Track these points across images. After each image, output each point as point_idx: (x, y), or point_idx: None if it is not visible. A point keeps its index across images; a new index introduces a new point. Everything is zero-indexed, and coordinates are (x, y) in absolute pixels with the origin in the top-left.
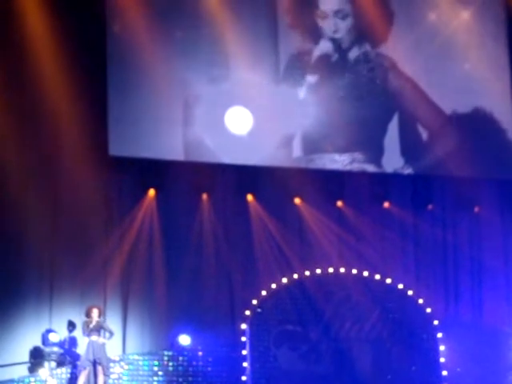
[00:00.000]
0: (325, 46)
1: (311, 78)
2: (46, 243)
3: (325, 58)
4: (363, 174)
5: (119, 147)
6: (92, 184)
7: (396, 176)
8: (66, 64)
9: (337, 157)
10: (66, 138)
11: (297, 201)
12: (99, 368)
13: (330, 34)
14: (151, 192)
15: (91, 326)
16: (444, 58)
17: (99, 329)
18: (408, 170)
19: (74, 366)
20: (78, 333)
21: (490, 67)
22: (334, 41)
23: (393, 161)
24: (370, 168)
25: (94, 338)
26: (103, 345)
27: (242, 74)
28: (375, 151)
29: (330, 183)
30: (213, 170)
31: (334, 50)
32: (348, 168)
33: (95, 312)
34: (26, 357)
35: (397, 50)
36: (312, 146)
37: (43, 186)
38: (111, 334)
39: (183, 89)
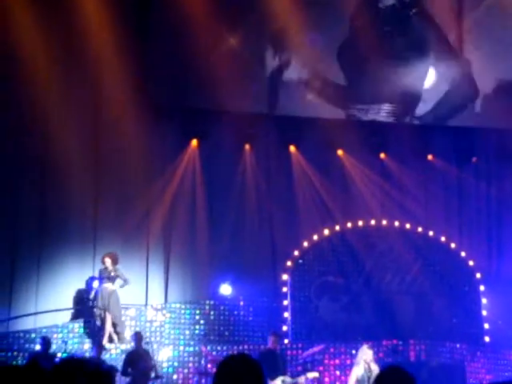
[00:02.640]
0: None
1: None
2: (89, 193)
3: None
4: (407, 126)
5: (162, 97)
6: (135, 134)
7: (440, 128)
8: (110, 13)
9: (380, 108)
10: (108, 88)
11: (339, 152)
12: (107, 315)
13: None
14: (194, 142)
15: (104, 274)
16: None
17: (112, 276)
18: (452, 122)
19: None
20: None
21: None
22: None
23: (436, 112)
24: (414, 120)
25: (106, 285)
26: (112, 292)
27: None
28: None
29: (374, 135)
30: (256, 120)
31: None
32: (390, 119)
33: (108, 260)
34: (69, 303)
35: None
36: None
37: (86, 135)
38: (125, 281)
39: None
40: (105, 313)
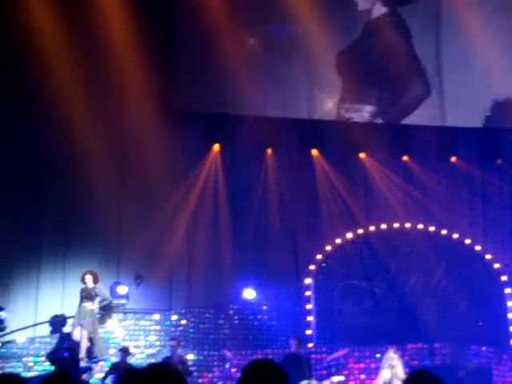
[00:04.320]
0: None
1: None
2: (114, 198)
3: None
4: (430, 128)
5: (184, 102)
6: (158, 139)
7: (463, 130)
8: (133, 22)
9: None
10: (132, 95)
11: (362, 155)
12: (84, 333)
13: None
14: (216, 147)
15: (83, 293)
16: None
17: (92, 295)
18: (476, 124)
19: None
20: (144, 285)
21: None
22: None
23: (460, 114)
24: (437, 121)
25: (85, 304)
26: (91, 311)
27: None
28: (441, 105)
29: (396, 137)
30: (278, 125)
31: None
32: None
33: (88, 278)
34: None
35: None
36: None
37: (110, 142)
38: (104, 300)
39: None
40: (81, 330)
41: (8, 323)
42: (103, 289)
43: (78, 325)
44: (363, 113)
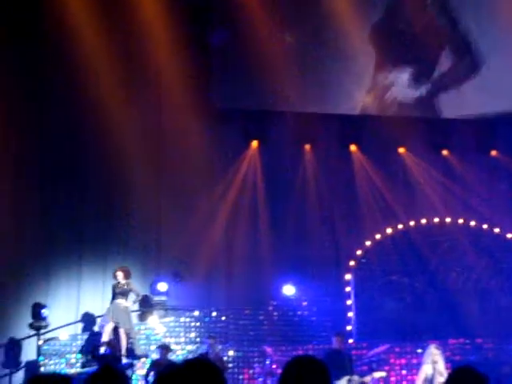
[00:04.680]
0: None
1: None
2: (153, 194)
3: None
4: (469, 122)
5: (223, 99)
6: (197, 136)
7: (504, 123)
8: (171, 18)
9: None
10: (171, 92)
11: (401, 150)
12: (121, 331)
13: None
14: (254, 143)
15: (116, 289)
16: None
17: (126, 291)
18: None
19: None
20: (184, 282)
21: None
22: None
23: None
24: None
25: (119, 301)
26: (125, 308)
27: None
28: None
29: (435, 132)
30: (316, 121)
31: None
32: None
33: (120, 274)
34: (135, 305)
35: None
36: None
37: (149, 139)
38: (137, 296)
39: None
40: (116, 329)
41: (50, 320)
42: (135, 284)
43: (111, 321)
44: (400, 81)
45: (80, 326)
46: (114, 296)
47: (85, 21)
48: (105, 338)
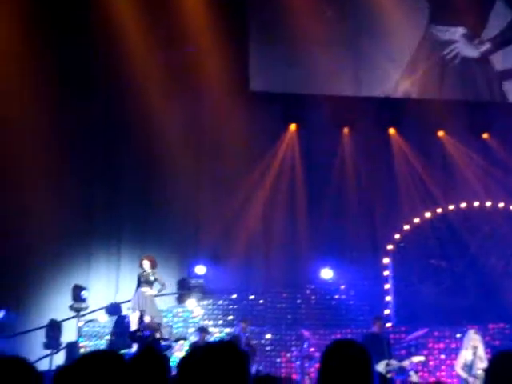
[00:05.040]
0: None
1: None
2: (191, 178)
3: None
4: (510, 105)
5: (260, 82)
6: (235, 120)
7: None
8: (208, 2)
9: None
10: (209, 75)
11: (440, 133)
12: (147, 318)
13: None
14: (292, 126)
15: (142, 278)
16: None
17: (151, 280)
18: None
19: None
20: (222, 265)
21: None
22: None
23: None
24: None
25: (143, 289)
26: (151, 296)
27: None
28: None
29: (475, 115)
30: (354, 104)
31: None
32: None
33: (146, 263)
34: (173, 288)
35: None
36: None
37: (187, 123)
38: (163, 286)
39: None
40: (142, 316)
41: (90, 302)
42: (161, 274)
43: (137, 310)
44: (456, 34)
45: (119, 308)
46: (139, 284)
47: (124, 14)
48: (133, 326)
